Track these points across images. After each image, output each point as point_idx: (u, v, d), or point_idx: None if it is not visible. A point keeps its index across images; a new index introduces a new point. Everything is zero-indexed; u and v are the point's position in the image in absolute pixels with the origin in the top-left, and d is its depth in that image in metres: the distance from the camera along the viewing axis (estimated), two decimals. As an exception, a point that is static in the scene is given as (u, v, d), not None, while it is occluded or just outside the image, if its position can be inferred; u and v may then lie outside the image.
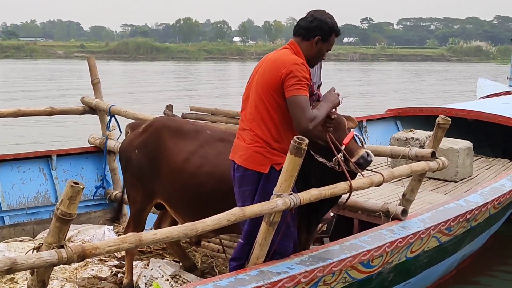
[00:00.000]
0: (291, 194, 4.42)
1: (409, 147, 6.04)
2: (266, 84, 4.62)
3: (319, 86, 5.97)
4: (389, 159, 7.54)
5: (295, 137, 4.26)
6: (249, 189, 4.67)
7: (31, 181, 7.75)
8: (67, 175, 7.95)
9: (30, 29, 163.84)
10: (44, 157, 7.91)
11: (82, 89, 30.81)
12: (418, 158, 5.71)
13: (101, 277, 6.05)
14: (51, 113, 8.02)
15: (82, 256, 3.51)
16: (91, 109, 8.13)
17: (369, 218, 6.22)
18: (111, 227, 7.23)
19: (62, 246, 3.45)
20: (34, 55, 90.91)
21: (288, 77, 4.49)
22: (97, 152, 8.13)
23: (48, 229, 7.04)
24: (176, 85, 42.77)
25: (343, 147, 4.69)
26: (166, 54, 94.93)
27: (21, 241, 6.90)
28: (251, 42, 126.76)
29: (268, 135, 4.61)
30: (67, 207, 3.37)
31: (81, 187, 3.38)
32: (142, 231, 5.86)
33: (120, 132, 7.86)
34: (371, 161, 4.75)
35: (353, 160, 4.68)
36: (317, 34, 4.69)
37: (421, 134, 8.63)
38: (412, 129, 8.83)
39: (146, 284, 5.88)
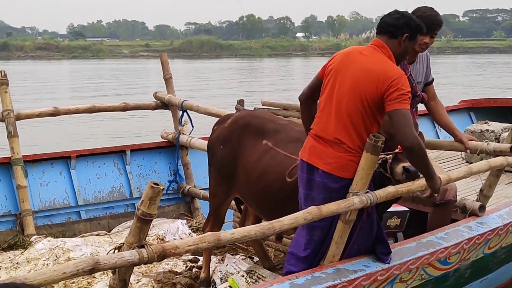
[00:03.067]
0: (367, 192, 4.37)
1: (486, 141, 5.92)
2: (365, 95, 4.36)
3: (430, 83, 5.88)
4: (463, 153, 7.41)
5: (371, 135, 4.20)
6: (329, 196, 4.46)
7: (106, 176, 7.89)
8: (141, 169, 8.08)
9: (96, 30, 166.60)
10: (118, 152, 8.04)
11: (148, 87, 31.28)
12: (496, 153, 5.59)
13: (176, 271, 6.08)
14: (125, 108, 8.16)
15: (163, 256, 3.54)
16: (163, 104, 8.22)
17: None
18: (184, 221, 7.28)
19: (143, 246, 3.48)
20: (100, 55, 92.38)
21: (393, 90, 4.27)
22: (170, 147, 8.21)
23: (122, 224, 7.17)
24: (241, 81, 42.94)
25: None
26: (229, 51, 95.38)
27: (97, 235, 7.00)
28: (314, 37, 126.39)
29: (361, 146, 4.38)
30: (148, 208, 3.39)
31: (161, 188, 3.40)
32: (221, 224, 5.99)
33: (192, 127, 7.96)
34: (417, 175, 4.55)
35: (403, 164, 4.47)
36: (405, 31, 4.51)
37: (496, 126, 8.40)
38: (486, 120, 8.62)
39: (221, 279, 5.88)
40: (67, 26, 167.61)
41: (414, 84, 5.51)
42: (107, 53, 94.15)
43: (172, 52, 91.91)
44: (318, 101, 4.68)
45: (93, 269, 3.31)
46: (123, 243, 3.56)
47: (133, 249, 3.45)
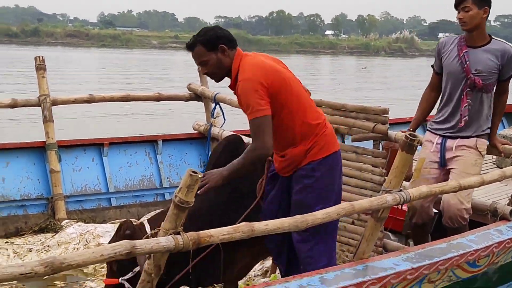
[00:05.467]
0: (401, 190, 4.39)
1: (520, 146, 5.90)
2: None
3: (504, 80, 5.78)
4: (494, 156, 7.38)
5: (407, 134, 4.23)
6: None
7: (137, 165, 7.98)
8: (172, 160, 8.16)
9: (126, 19, 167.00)
10: (150, 142, 8.13)
11: (177, 78, 31.35)
12: (529, 158, 5.58)
13: None
14: (158, 98, 8.26)
15: (198, 243, 3.58)
16: (196, 96, 8.29)
17: (474, 217, 6.09)
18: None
19: (178, 233, 3.53)
20: (129, 44, 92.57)
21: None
22: (201, 139, 8.29)
23: (152, 212, 7.24)
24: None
25: None
26: (258, 46, 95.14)
27: (126, 222, 7.08)
28: (344, 36, 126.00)
29: None
30: (185, 195, 3.43)
31: (199, 176, 3.44)
32: None
33: (224, 119, 8.03)
34: None
35: None
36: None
37: None
38: None
39: (261, 275, 5.93)
40: (98, 14, 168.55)
41: (465, 66, 5.58)
42: (136, 43, 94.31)
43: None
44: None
45: (129, 253, 3.36)
46: (159, 229, 3.61)
47: (169, 235, 3.49)
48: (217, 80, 4.56)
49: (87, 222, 7.11)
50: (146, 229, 4.42)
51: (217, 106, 8.01)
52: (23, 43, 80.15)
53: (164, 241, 3.44)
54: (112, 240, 4.42)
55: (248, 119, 4.32)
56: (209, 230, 3.68)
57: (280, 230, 3.96)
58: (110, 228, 6.64)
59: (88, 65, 46.25)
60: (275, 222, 3.96)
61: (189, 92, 8.35)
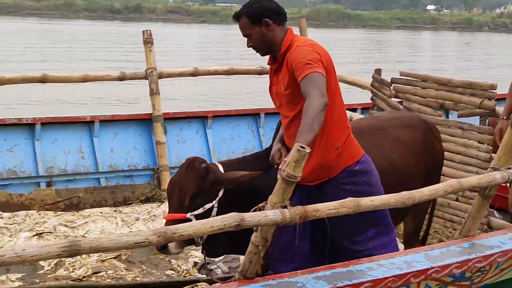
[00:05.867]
0: (509, 168, 4.32)
1: None
2: None
3: None
4: None
5: None
6: None
7: (239, 137, 8.11)
8: (273, 133, 8.14)
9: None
10: (253, 115, 8.22)
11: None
12: None
13: None
14: (261, 72, 8.40)
15: (304, 217, 3.62)
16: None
17: None
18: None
19: (285, 207, 3.57)
20: (229, 20, 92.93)
21: None
22: None
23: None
24: (370, 51, 42.44)
25: None
26: (357, 21, 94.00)
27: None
28: (446, 11, 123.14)
29: None
30: (293, 170, 3.45)
31: (307, 151, 3.45)
32: None
33: None
34: None
35: None
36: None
37: None
38: None
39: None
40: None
41: None
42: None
43: (300, 19, 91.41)
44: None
45: (238, 225, 3.44)
46: (266, 203, 3.65)
47: (276, 209, 3.53)
48: (262, 54, 4.35)
49: (192, 193, 7.25)
50: (220, 169, 4.32)
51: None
52: (125, 19, 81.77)
53: (272, 214, 3.49)
54: (180, 173, 4.28)
55: (303, 76, 3.90)
56: (316, 205, 3.72)
57: (386, 206, 3.96)
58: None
59: (189, 40, 46.82)
60: (381, 198, 3.96)
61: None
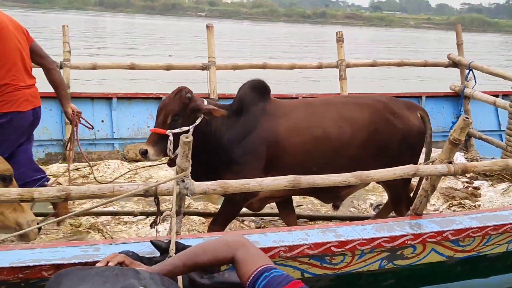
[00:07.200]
0: None
1: None
2: None
3: None
4: None
5: None
6: None
7: None
8: (431, 111, 7.37)
9: (391, 4, 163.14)
10: (414, 97, 7.91)
11: (427, 52, 30.18)
12: None
13: (456, 188, 5.87)
14: (424, 64, 8.25)
15: (464, 171, 3.61)
16: (453, 64, 8.04)
17: None
18: (462, 153, 7.08)
19: (450, 162, 3.56)
20: (392, 25, 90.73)
21: None
22: (455, 97, 8.05)
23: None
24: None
25: None
26: (494, 27, 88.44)
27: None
28: None
29: None
30: (459, 135, 3.43)
31: (470, 121, 3.42)
32: None
33: (475, 83, 7.74)
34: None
35: None
36: None
37: None
38: None
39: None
40: (369, 1, 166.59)
41: None
42: (397, 23, 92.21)
43: (447, 25, 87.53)
44: None
45: (414, 174, 3.51)
46: (435, 159, 3.66)
47: (443, 164, 3.54)
48: None
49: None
50: (204, 102, 4.03)
51: (470, 71, 7.75)
52: (314, 22, 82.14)
53: (440, 167, 3.51)
54: (169, 97, 4.00)
55: None
56: (474, 163, 3.68)
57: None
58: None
59: (361, 39, 46.11)
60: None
61: (448, 60, 8.15)
